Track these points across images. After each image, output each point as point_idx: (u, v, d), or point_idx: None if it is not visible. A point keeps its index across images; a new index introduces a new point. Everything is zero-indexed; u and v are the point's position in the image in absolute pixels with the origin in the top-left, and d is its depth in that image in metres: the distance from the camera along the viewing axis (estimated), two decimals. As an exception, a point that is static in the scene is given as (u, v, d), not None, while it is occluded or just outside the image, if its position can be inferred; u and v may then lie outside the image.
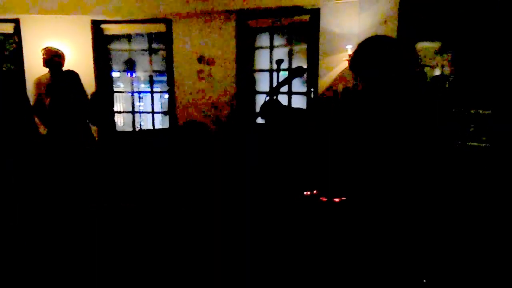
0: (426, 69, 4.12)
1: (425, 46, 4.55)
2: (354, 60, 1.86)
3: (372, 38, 1.84)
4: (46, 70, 4.05)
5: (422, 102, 1.70)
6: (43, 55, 4.00)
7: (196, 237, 2.82)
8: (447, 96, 4.24)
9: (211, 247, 2.60)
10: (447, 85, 4.31)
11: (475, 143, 3.98)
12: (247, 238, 2.41)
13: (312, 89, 4.95)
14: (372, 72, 1.76)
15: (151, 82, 5.91)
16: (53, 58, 4.00)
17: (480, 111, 3.97)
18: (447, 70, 4.36)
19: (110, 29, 5.59)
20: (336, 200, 2.20)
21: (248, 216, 2.39)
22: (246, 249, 2.37)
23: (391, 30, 4.35)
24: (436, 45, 4.43)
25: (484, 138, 3.94)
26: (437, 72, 4.40)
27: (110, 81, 5.84)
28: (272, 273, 2.29)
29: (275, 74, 4.93)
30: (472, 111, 4.05)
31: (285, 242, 2.40)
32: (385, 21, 4.37)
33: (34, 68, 4.23)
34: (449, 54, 4.31)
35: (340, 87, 4.61)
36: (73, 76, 3.92)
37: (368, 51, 1.80)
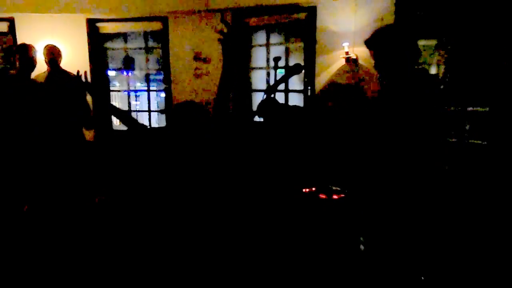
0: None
1: (421, 44, 4.54)
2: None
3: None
4: (42, 69, 4.05)
5: (424, 98, 1.70)
6: (46, 54, 4.02)
7: (195, 233, 2.82)
8: (443, 94, 4.25)
9: (211, 243, 2.60)
10: (442, 83, 4.32)
11: (472, 141, 3.98)
12: (247, 235, 2.41)
13: (309, 87, 4.94)
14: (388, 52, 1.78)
15: (148, 80, 5.89)
16: (54, 57, 4.01)
17: (478, 109, 3.97)
18: (443, 68, 4.36)
19: (106, 28, 5.55)
20: (335, 197, 2.20)
21: (248, 213, 2.40)
22: (246, 246, 2.37)
23: (387, 27, 4.34)
24: (432, 42, 4.44)
25: (480, 136, 3.95)
26: (433, 70, 4.40)
27: (106, 79, 5.82)
28: (272, 271, 2.28)
29: (272, 72, 4.92)
30: (468, 109, 4.06)
31: (285, 239, 2.40)
32: (382, 19, 4.37)
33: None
34: (445, 52, 4.31)
35: (338, 83, 4.60)
36: (72, 78, 3.94)
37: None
